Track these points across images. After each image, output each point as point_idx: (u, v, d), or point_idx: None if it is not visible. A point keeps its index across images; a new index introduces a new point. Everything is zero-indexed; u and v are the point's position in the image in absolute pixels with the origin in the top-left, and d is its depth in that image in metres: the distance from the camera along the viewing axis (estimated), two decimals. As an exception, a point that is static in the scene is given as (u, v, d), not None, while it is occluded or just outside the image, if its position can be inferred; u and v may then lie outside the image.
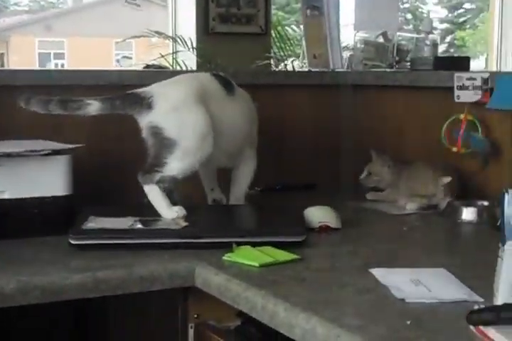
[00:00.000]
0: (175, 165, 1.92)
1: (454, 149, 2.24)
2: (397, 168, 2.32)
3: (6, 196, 1.83)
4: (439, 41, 2.73)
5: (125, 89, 2.28)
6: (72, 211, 1.90)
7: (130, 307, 1.75)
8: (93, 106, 1.92)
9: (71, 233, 1.75)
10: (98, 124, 2.28)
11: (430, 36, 2.60)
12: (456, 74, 2.21)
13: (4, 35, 18.46)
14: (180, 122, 1.94)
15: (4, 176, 1.83)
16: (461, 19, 20.06)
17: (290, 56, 6.12)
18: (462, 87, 2.20)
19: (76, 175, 1.93)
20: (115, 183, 2.29)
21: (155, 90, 1.97)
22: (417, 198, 2.21)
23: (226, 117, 2.05)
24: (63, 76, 2.31)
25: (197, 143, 1.94)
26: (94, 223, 1.82)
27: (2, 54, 18.72)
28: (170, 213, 1.90)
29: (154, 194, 1.92)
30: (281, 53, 6.15)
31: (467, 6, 20.03)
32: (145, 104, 1.94)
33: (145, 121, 1.94)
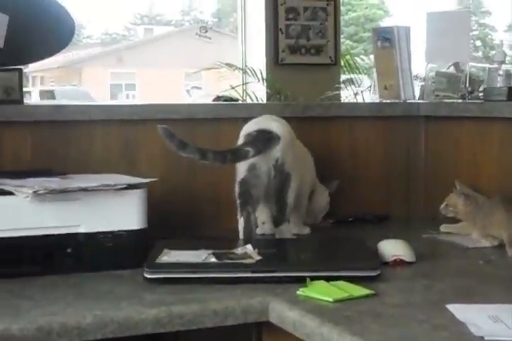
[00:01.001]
0: (290, 198, 2.13)
1: None
2: (476, 202, 2.28)
3: (81, 230, 1.85)
4: (512, 70, 2.70)
5: (198, 123, 2.31)
6: (147, 244, 1.91)
7: (203, 341, 1.75)
8: (250, 153, 2.04)
9: (146, 267, 1.76)
10: (169, 158, 2.31)
11: (503, 66, 2.57)
12: (531, 105, 2.18)
13: (77, 67, 18.84)
14: (293, 157, 2.12)
15: (80, 210, 1.85)
16: (532, 46, 19.83)
17: (359, 85, 6.12)
18: (537, 118, 2.16)
19: (148, 208, 1.95)
20: (186, 216, 2.31)
21: (272, 128, 2.11)
22: (490, 238, 2.17)
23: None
24: (136, 110, 2.34)
25: (300, 176, 2.16)
26: (168, 256, 1.83)
27: (75, 86, 19.08)
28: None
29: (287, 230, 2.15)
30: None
31: (538, 32, 19.80)
32: (273, 141, 2.08)
33: (272, 156, 2.08)
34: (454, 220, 2.34)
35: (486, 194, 2.33)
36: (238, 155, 2.04)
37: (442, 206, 2.36)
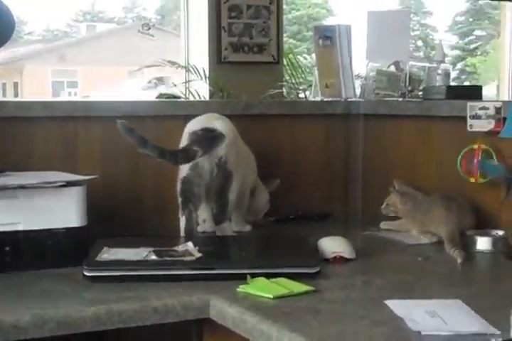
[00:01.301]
0: (232, 196, 2.14)
1: (472, 180, 2.22)
2: (414, 200, 2.31)
3: (20, 228, 1.83)
4: (450, 69, 2.73)
5: (140, 120, 2.30)
6: (86, 242, 1.90)
7: (144, 339, 1.75)
8: (199, 153, 2.04)
9: (85, 265, 1.75)
10: (110, 155, 2.30)
11: (442, 65, 2.60)
12: (469, 104, 2.21)
13: (18, 64, 18.60)
14: (236, 155, 2.13)
15: (19, 208, 1.83)
16: (472, 46, 20.10)
17: (302, 84, 6.14)
18: (475, 116, 2.19)
19: (89, 206, 1.94)
20: (128, 214, 2.30)
21: (216, 126, 2.11)
22: (428, 234, 2.20)
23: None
24: (77, 107, 2.32)
25: (242, 175, 2.18)
26: (108, 254, 1.82)
27: (16, 83, 18.84)
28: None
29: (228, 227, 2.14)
30: (293, 81, 6.17)
31: (478, 32, 20.07)
32: (218, 140, 2.08)
33: (215, 155, 2.08)
34: (394, 217, 2.37)
35: (426, 191, 2.36)
36: (188, 155, 2.04)
37: (383, 206, 2.39)
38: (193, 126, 2.14)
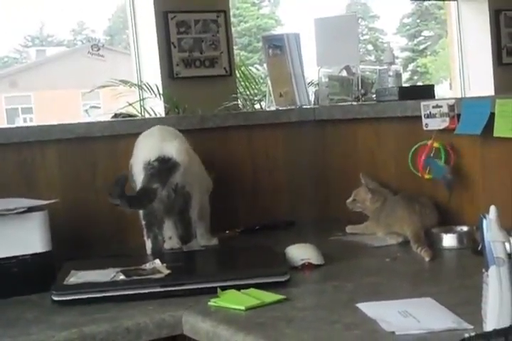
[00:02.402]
0: (194, 215, 2.13)
1: (418, 174, 2.25)
2: (384, 199, 2.32)
3: (-16, 257, 1.81)
4: (401, 70, 2.75)
5: (95, 141, 2.29)
6: (53, 267, 1.88)
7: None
8: (159, 190, 2.02)
9: (53, 289, 1.74)
10: (68, 178, 2.28)
11: (393, 67, 2.62)
12: (423, 103, 2.23)
13: (-30, 93, 18.43)
14: (192, 174, 2.11)
15: (-19, 237, 1.81)
16: (422, 46, 20.28)
17: (256, 95, 6.15)
18: (429, 115, 2.21)
19: (53, 230, 1.92)
20: (92, 235, 2.29)
21: (172, 153, 2.06)
22: (394, 235, 2.21)
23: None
24: (32, 132, 2.29)
25: (200, 190, 2.19)
26: (75, 278, 1.81)
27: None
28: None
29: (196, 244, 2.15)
30: (247, 92, 6.18)
31: (426, 33, 20.25)
32: (174, 169, 2.04)
33: (171, 182, 2.05)
34: (360, 220, 2.38)
35: (395, 192, 2.37)
36: (150, 196, 2.01)
37: (350, 200, 2.38)
38: (147, 153, 2.08)
